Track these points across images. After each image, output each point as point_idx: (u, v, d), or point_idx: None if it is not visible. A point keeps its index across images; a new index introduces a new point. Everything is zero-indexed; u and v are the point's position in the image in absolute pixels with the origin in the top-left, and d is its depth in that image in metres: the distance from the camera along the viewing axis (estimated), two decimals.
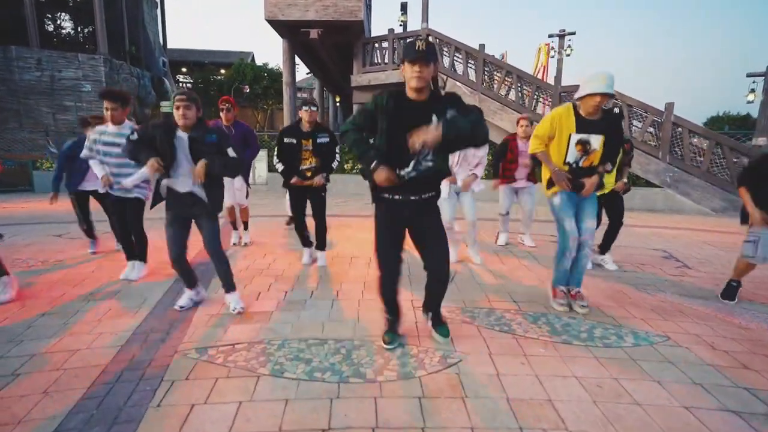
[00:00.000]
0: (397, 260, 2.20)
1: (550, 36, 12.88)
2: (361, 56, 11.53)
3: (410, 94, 1.95)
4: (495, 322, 2.63)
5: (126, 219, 3.44)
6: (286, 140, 3.56)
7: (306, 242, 3.94)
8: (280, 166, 3.64)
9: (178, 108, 2.45)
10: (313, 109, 3.53)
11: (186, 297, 2.84)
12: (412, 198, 2.06)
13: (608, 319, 2.71)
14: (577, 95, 2.60)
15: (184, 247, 2.71)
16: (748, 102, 10.30)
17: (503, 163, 4.62)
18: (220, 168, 2.52)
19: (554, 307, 2.87)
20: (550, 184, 2.80)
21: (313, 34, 10.47)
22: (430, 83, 1.97)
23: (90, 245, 4.38)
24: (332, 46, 12.39)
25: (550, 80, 11.73)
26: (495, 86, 10.16)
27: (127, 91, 3.71)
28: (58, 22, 18.67)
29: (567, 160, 2.68)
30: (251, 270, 3.79)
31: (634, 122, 8.79)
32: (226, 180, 3.84)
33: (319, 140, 3.58)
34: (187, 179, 2.55)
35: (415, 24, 19.70)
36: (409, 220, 2.13)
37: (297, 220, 3.83)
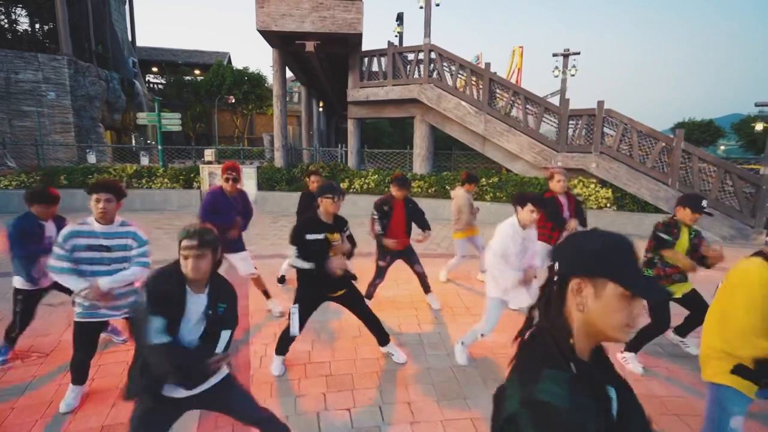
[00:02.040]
0: None
1: (554, 55, 12.77)
2: (358, 70, 10.95)
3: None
4: None
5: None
6: (310, 237, 2.81)
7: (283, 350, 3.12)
8: (308, 264, 2.80)
9: (186, 257, 1.70)
10: (340, 198, 2.88)
11: None
12: None
13: None
14: None
15: None
16: (756, 131, 10.57)
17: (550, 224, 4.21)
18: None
19: None
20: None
21: (309, 47, 9.81)
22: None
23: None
24: (326, 57, 11.74)
25: (524, 85, 11.51)
26: (499, 105, 9.86)
27: (120, 182, 3.04)
28: (13, 17, 16.95)
29: None
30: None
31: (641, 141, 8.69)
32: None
33: (346, 231, 3.03)
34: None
35: (409, 35, 19.15)
36: None
37: (291, 335, 2.98)
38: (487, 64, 9.65)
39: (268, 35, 10.01)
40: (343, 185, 11.10)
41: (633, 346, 3.25)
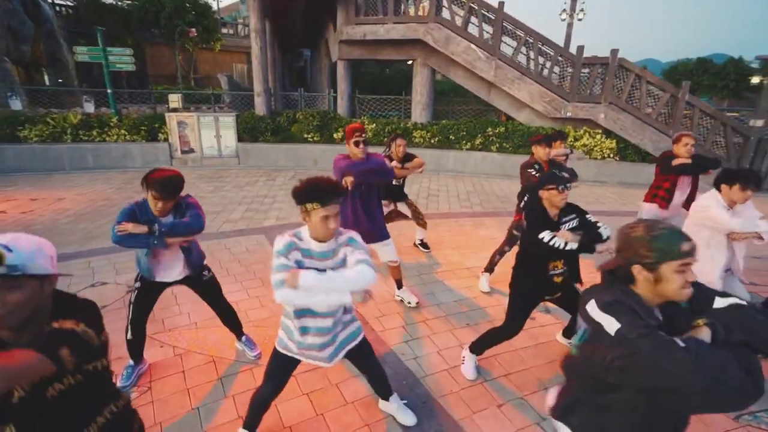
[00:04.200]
0: None
1: None
2: (353, 1, 9.59)
3: None
4: None
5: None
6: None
7: None
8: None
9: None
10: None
11: None
12: None
13: None
14: None
15: None
16: (753, 84, 11.17)
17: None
18: None
19: None
20: None
21: None
22: None
23: (127, 374, 2.60)
24: None
25: None
26: (512, 51, 9.32)
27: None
28: None
29: None
30: None
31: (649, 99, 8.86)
32: None
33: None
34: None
35: None
36: None
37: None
38: (501, 3, 8.91)
39: None
40: (337, 135, 10.18)
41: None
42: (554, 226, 2.46)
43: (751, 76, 25.69)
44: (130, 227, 2.20)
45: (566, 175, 2.36)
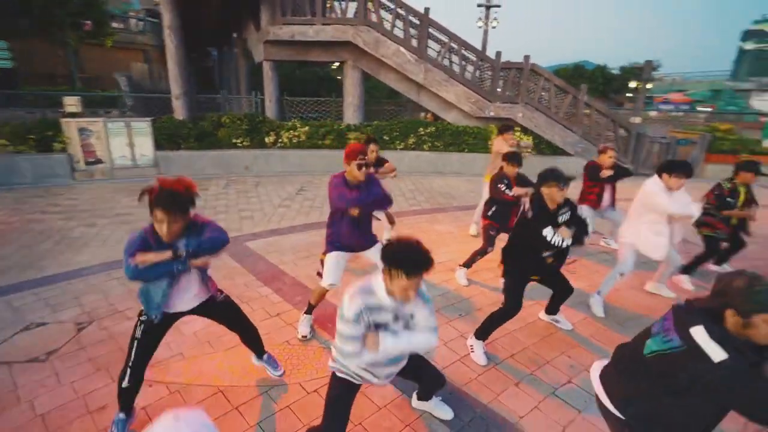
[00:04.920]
0: None
1: (479, 5, 12.97)
2: (279, 2, 9.24)
3: None
4: None
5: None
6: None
7: None
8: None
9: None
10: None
11: None
12: None
13: None
14: None
15: None
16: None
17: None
18: None
19: None
20: None
21: None
22: None
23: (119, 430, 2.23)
24: None
25: None
26: (438, 55, 9.84)
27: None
28: None
29: None
30: None
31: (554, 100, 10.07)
32: None
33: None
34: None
35: None
36: None
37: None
38: (426, 9, 9.36)
39: None
40: (269, 139, 9.77)
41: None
42: (553, 217, 2.75)
43: (613, 80, 31.08)
44: (152, 256, 1.89)
45: (566, 174, 2.67)
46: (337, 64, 10.69)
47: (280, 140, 9.85)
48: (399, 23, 9.66)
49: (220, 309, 2.39)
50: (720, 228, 4.17)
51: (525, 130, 10.23)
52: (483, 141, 10.00)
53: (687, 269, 4.36)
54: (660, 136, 11.08)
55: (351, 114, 10.51)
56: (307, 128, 9.88)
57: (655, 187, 3.43)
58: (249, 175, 9.39)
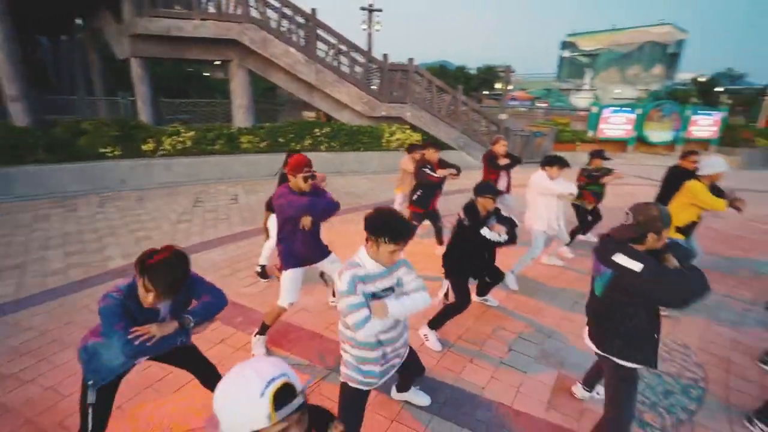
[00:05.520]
0: None
1: (362, 9, 13.03)
2: None
3: None
4: None
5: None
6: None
7: None
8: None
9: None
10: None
11: None
12: None
13: None
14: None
15: None
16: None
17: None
18: None
19: None
20: None
21: None
22: None
23: None
24: None
25: None
26: (326, 56, 9.89)
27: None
28: None
29: None
30: None
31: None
32: None
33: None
34: None
35: None
36: None
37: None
38: (313, 10, 9.30)
39: None
40: (147, 147, 8.64)
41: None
42: (485, 221, 3.21)
43: (472, 79, 35.32)
44: (155, 329, 1.62)
45: (500, 189, 3.19)
46: (218, 62, 9.88)
47: (161, 147, 8.76)
48: (285, 23, 9.43)
49: (183, 354, 2.11)
50: (589, 200, 5.28)
51: (414, 128, 11.02)
52: (377, 140, 10.44)
53: (567, 243, 5.39)
54: (519, 130, 13.07)
55: (241, 116, 9.92)
56: (193, 133, 8.98)
57: (541, 178, 4.28)
58: (127, 189, 8.15)
